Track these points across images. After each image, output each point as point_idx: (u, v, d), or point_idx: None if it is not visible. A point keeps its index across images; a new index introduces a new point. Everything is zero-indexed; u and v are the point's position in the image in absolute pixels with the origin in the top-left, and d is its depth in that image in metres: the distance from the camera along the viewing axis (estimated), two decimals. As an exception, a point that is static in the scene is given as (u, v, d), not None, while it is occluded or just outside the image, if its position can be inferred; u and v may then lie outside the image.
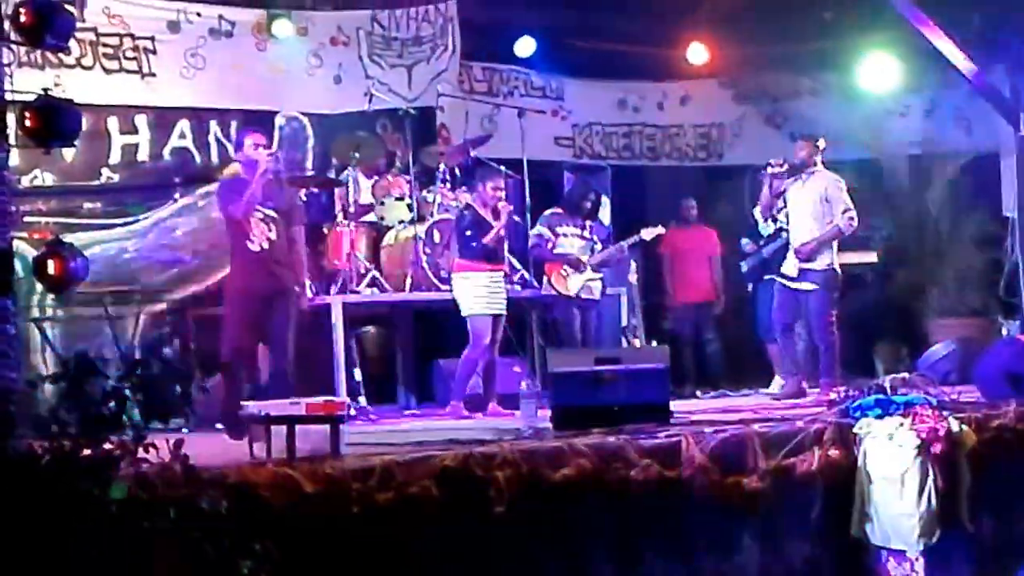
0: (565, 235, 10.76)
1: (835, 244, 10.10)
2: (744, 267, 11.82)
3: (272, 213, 8.48)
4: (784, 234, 11.38)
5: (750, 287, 11.84)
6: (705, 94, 13.89)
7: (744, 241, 11.80)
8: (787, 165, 10.11)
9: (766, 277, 11.45)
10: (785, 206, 10.50)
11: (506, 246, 10.22)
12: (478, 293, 9.77)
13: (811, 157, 10.12)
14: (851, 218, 10.03)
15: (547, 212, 10.96)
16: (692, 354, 12.11)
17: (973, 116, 13.20)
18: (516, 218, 10.33)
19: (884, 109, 13.63)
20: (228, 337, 8.54)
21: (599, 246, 11.01)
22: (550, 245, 10.71)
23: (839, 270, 10.13)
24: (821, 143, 10.22)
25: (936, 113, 13.60)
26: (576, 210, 10.94)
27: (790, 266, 10.12)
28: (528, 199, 10.84)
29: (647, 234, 11.31)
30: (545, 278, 10.67)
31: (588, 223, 10.97)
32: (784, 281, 10.17)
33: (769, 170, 10.22)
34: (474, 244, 9.80)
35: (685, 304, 12.30)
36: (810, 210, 10.05)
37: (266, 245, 8.45)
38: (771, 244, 11.45)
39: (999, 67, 12.42)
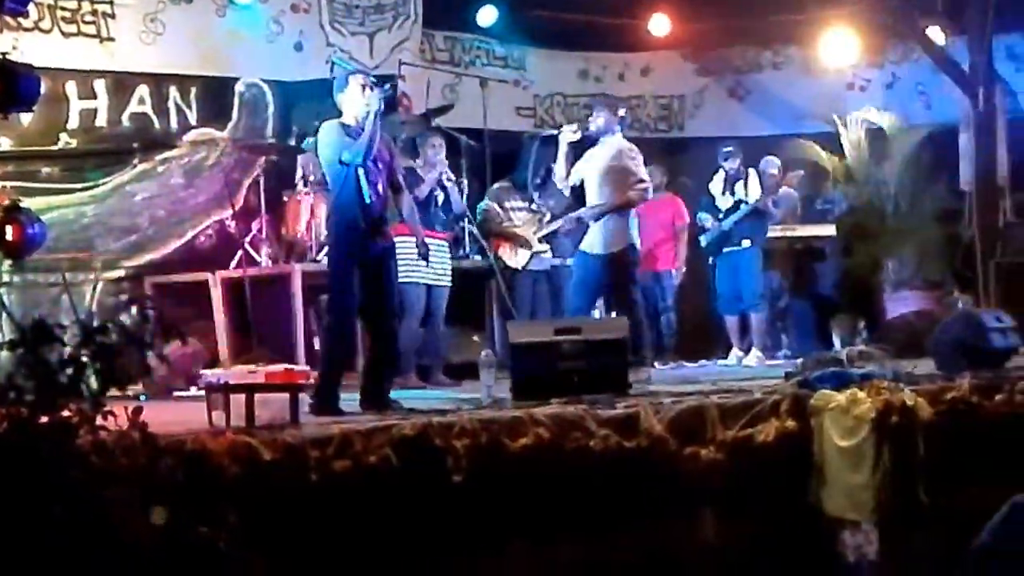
0: (513, 209, 10.76)
1: (631, 216, 9.63)
2: (703, 240, 11.87)
3: (379, 163, 7.75)
4: (743, 206, 11.48)
5: (710, 260, 11.90)
6: (667, 65, 13.92)
7: (703, 215, 11.84)
8: (582, 133, 9.61)
9: (725, 250, 11.54)
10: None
11: (435, 209, 10.02)
12: (406, 260, 9.68)
13: (609, 125, 9.58)
14: (644, 189, 9.60)
15: (494, 186, 10.97)
16: (650, 324, 12.12)
17: (933, 90, 13.29)
18: (450, 179, 10.08)
19: (844, 82, 13.71)
20: (339, 305, 7.73)
21: (548, 216, 10.99)
22: (499, 220, 10.71)
23: (637, 244, 9.73)
24: (621, 111, 9.82)
25: (896, 87, 13.69)
26: (525, 184, 10.91)
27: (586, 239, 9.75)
28: (489, 169, 10.84)
29: None
30: (492, 251, 10.68)
31: (536, 195, 10.94)
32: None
33: (564, 137, 9.63)
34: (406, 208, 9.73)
35: (645, 272, 12.30)
36: (604, 180, 9.54)
37: (375, 198, 7.67)
38: (730, 216, 11.52)
39: (959, 41, 12.50)
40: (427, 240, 9.51)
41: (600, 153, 9.55)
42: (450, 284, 9.91)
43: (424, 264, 9.42)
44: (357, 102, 7.70)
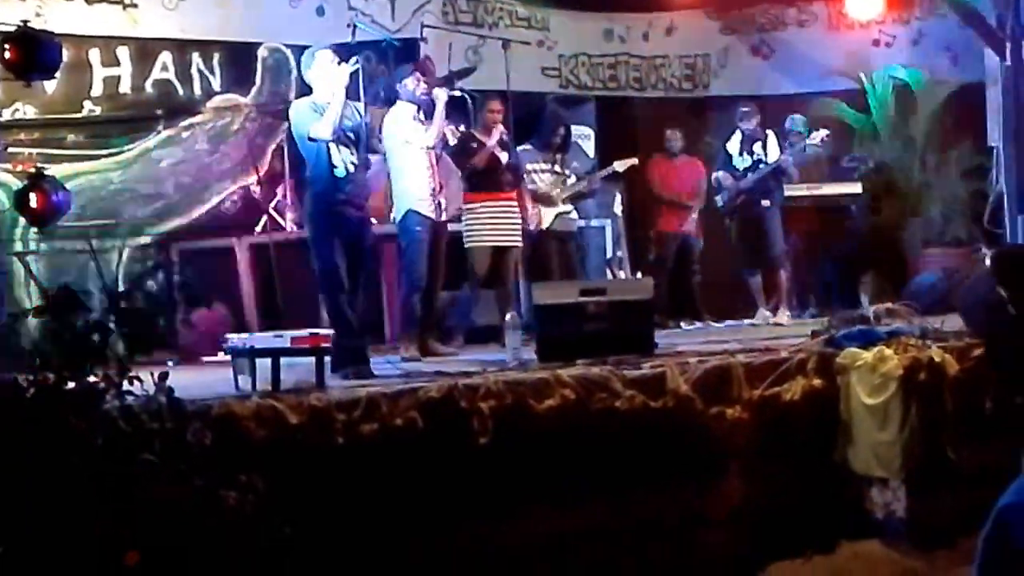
0: (536, 171, 10.70)
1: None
2: (720, 200, 11.82)
3: (350, 135, 7.98)
4: (762, 165, 11.42)
5: (727, 220, 11.85)
6: (690, 24, 13.84)
7: (719, 174, 11.79)
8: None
9: (744, 210, 11.48)
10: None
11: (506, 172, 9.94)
12: (473, 224, 9.71)
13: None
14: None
15: (517, 149, 10.92)
16: (676, 284, 12.10)
17: (960, 46, 13.17)
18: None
19: (870, 39, 13.61)
20: (325, 268, 7.93)
21: (572, 179, 10.95)
22: (523, 182, 10.66)
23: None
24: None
25: (923, 43, 13.57)
26: (546, 145, 10.86)
27: None
28: (512, 131, 10.79)
29: (619, 166, 11.27)
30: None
31: (559, 156, 10.89)
32: None
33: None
34: (467, 172, 9.76)
35: (666, 233, 12.27)
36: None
37: (351, 169, 7.93)
38: (751, 176, 11.47)
39: (985, -4, 12.40)
40: (496, 202, 9.58)
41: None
42: (520, 244, 9.90)
43: (493, 226, 9.48)
44: (326, 77, 7.94)
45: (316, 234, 8.03)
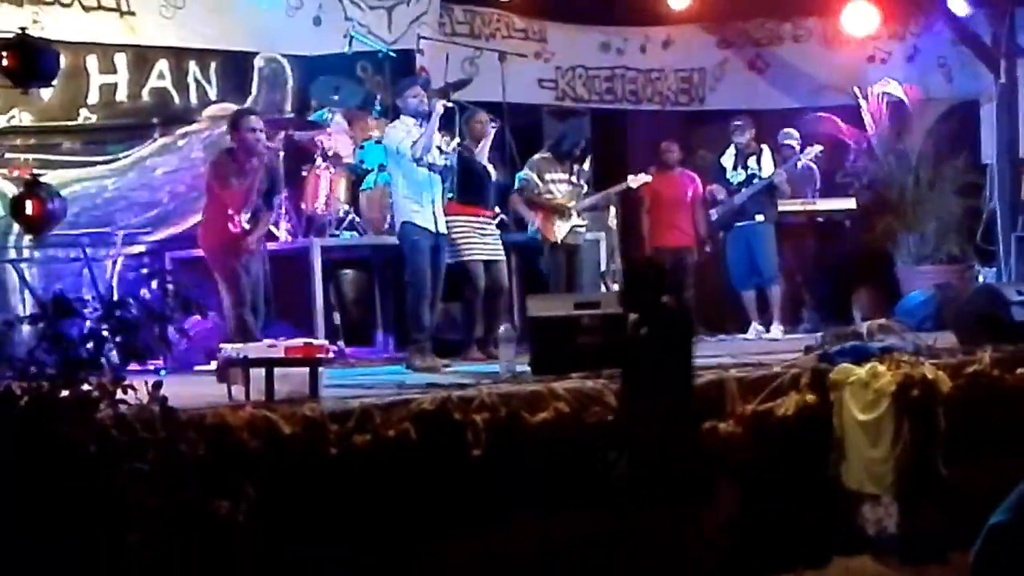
0: (553, 180, 10.68)
1: None
2: (714, 215, 11.83)
3: (255, 196, 9.02)
4: (757, 180, 11.44)
5: (721, 235, 11.87)
6: (687, 38, 13.86)
7: (713, 188, 11.81)
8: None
9: (737, 224, 11.51)
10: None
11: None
12: (461, 237, 9.70)
13: None
14: None
15: (535, 156, 10.90)
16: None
17: (954, 63, 13.21)
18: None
19: (865, 55, 13.64)
20: (235, 295, 9.01)
21: (585, 190, 10.98)
22: (537, 191, 10.64)
23: None
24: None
25: (918, 59, 13.61)
26: (565, 156, 10.86)
27: None
28: (509, 144, 10.81)
29: (634, 181, 11.30)
30: (532, 224, 10.61)
31: (575, 168, 10.91)
32: None
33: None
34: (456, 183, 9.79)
35: (662, 248, 12.26)
36: None
37: (246, 226, 8.95)
38: (745, 191, 11.49)
39: (980, 13, 12.43)
40: (478, 217, 9.62)
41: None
42: (503, 257, 9.94)
43: (480, 242, 9.52)
44: (244, 145, 9.05)
45: (219, 267, 9.09)
